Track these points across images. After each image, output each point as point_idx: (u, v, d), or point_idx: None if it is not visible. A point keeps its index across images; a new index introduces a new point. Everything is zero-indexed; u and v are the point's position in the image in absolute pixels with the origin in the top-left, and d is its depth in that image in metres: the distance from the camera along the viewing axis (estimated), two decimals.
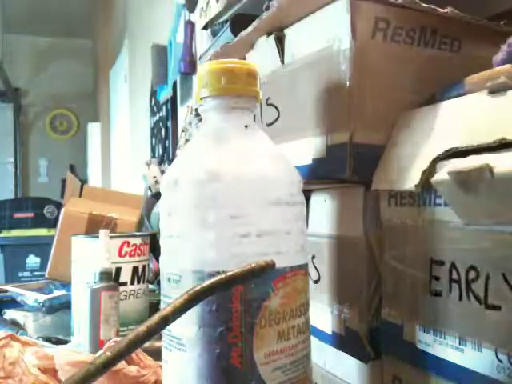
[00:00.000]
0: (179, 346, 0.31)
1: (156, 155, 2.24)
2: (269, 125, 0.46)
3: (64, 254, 0.70)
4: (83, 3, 3.79)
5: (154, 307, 0.66)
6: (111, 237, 0.57)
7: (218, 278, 0.25)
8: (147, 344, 0.47)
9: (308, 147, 0.41)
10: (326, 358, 0.42)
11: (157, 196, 1.56)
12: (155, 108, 2.28)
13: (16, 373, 0.40)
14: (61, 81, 4.40)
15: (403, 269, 0.35)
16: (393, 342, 0.36)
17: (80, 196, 1.10)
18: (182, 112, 1.81)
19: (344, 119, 0.37)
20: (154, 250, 0.84)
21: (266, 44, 0.46)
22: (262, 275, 0.28)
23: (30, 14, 3.88)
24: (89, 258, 0.59)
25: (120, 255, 0.61)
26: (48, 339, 0.61)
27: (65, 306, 0.73)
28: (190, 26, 1.63)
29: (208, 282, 0.25)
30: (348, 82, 0.37)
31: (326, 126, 0.39)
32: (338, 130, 0.38)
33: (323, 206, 0.43)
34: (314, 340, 0.37)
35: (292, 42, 0.44)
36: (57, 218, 1.01)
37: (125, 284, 0.62)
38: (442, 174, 0.30)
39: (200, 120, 1.24)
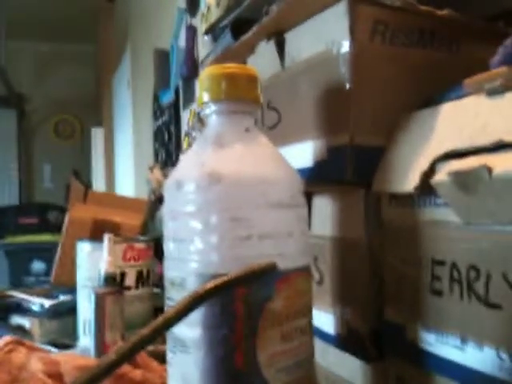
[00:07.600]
0: (183, 349, 0.32)
1: (159, 159, 2.24)
2: (270, 128, 0.46)
3: (69, 259, 0.70)
4: (85, 9, 3.80)
5: (159, 311, 0.66)
6: (115, 241, 0.57)
7: (219, 279, 0.26)
8: (152, 348, 0.47)
9: (309, 150, 0.41)
10: (330, 359, 0.42)
11: (160, 200, 1.56)
12: (158, 112, 2.29)
13: (22, 378, 0.40)
14: (64, 86, 4.41)
15: (404, 269, 0.36)
16: (395, 343, 0.37)
17: (84, 201, 1.10)
18: (185, 116, 1.82)
19: (344, 121, 0.38)
20: (158, 253, 0.84)
21: (267, 48, 0.47)
22: (263, 276, 0.28)
23: (33, 19, 3.90)
24: (93, 262, 0.59)
25: (124, 259, 0.62)
26: (54, 344, 0.62)
27: (70, 310, 0.73)
28: (191, 30, 1.63)
29: (209, 284, 0.26)
30: (347, 85, 0.37)
31: (326, 128, 0.40)
32: (338, 133, 0.38)
33: (325, 207, 0.43)
34: (317, 341, 0.38)
35: (292, 45, 0.44)
36: (61, 223, 1.01)
37: (129, 288, 0.62)
38: (442, 175, 0.30)
39: (202, 124, 1.24)
